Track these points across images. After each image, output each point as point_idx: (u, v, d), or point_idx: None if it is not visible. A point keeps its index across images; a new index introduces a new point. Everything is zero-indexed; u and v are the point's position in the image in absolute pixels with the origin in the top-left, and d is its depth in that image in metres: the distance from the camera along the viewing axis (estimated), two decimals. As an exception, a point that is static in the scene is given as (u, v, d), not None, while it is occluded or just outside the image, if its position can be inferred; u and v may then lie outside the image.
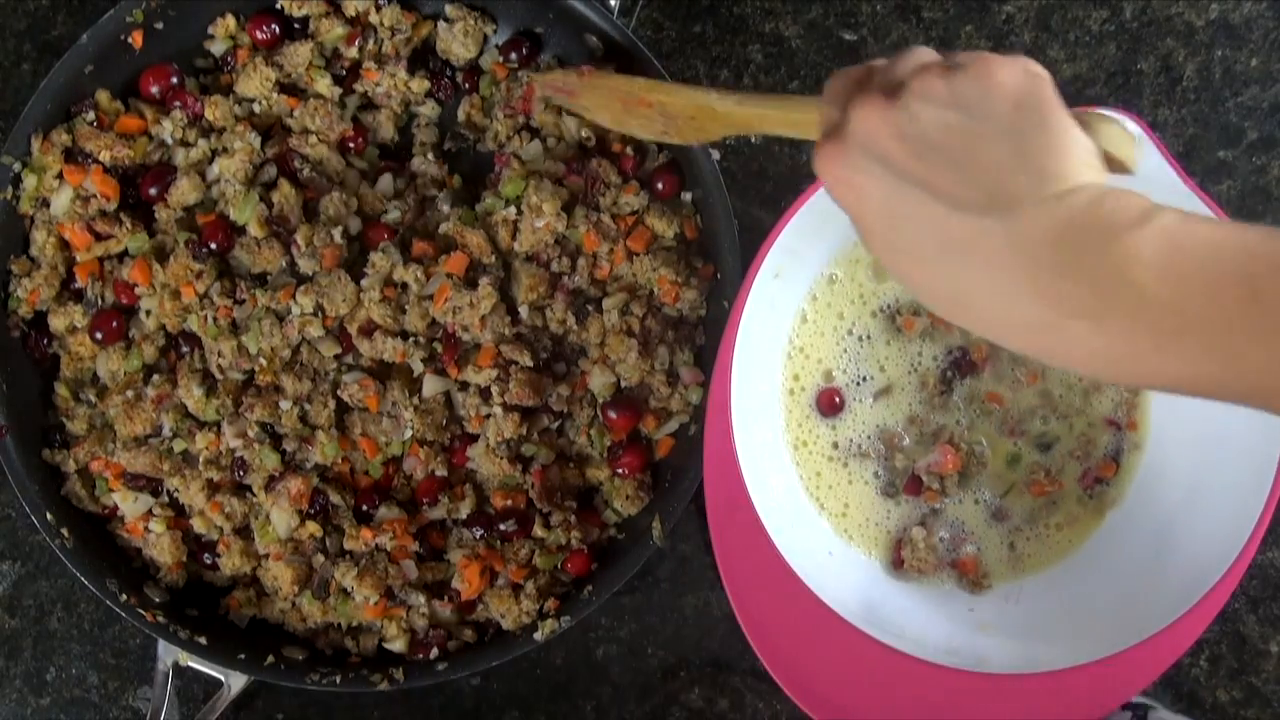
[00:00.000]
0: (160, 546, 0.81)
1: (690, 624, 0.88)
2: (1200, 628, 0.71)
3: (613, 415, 0.82)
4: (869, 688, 0.72)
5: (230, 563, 0.81)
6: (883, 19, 0.90)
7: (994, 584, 0.80)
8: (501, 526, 0.81)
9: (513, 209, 0.80)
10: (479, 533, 0.81)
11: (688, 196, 0.84)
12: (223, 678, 0.82)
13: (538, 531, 0.81)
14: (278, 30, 0.84)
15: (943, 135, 0.51)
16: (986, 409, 0.81)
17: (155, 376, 0.81)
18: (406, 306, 0.80)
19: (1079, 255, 0.48)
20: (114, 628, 0.88)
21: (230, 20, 0.84)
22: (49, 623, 0.88)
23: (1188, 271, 0.46)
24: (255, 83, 0.83)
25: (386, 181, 0.85)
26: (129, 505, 0.81)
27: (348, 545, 0.80)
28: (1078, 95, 0.89)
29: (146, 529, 0.81)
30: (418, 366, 0.81)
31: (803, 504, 0.80)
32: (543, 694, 0.87)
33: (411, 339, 0.80)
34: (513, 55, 0.86)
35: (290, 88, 0.85)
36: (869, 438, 0.81)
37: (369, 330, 0.80)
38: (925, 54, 0.55)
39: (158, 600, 0.81)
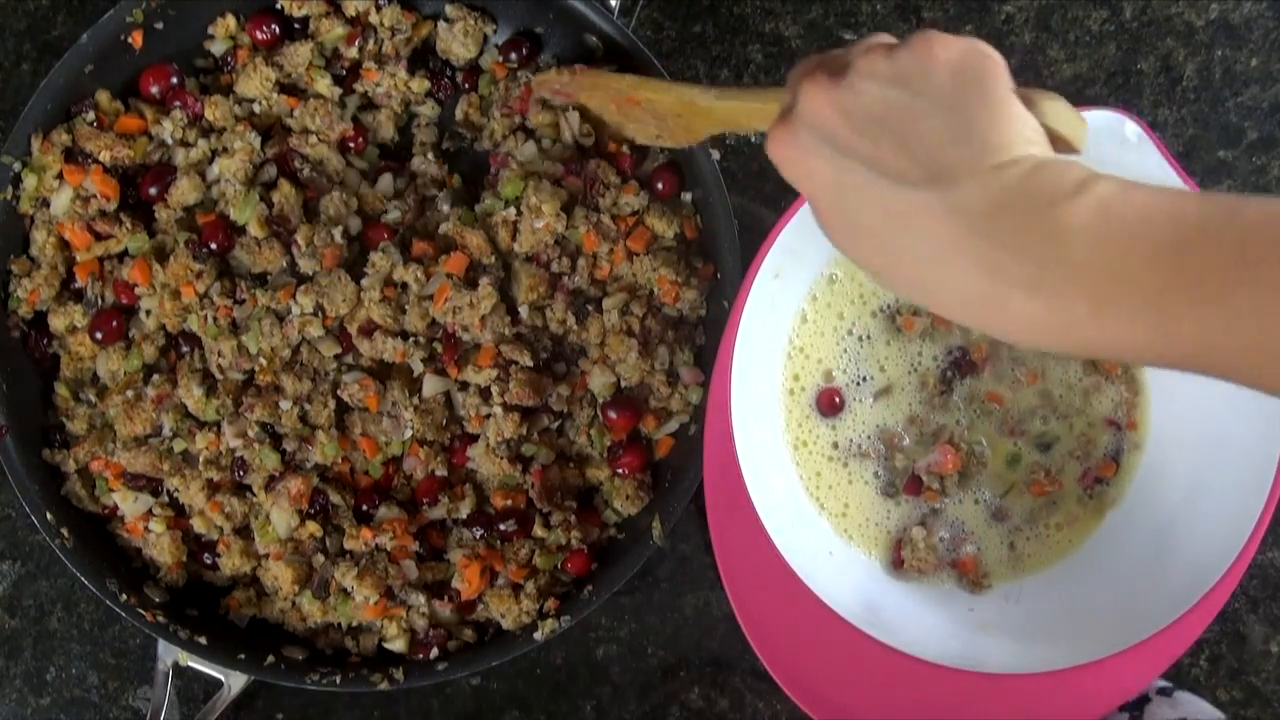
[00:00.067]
0: (160, 546, 0.81)
1: (690, 624, 0.88)
2: (1200, 628, 0.71)
3: (613, 415, 0.82)
4: (869, 688, 0.72)
5: (230, 563, 0.81)
6: (883, 19, 0.90)
7: (994, 584, 0.80)
8: (501, 526, 0.81)
9: (512, 210, 0.80)
10: (479, 533, 0.81)
11: (688, 196, 0.84)
12: (223, 678, 0.82)
13: (538, 531, 0.81)
14: (278, 30, 0.84)
15: (884, 110, 0.52)
16: (986, 409, 0.81)
17: (155, 376, 0.81)
18: (406, 306, 0.80)
19: (1015, 225, 0.48)
20: (114, 628, 0.88)
21: (230, 20, 0.84)
22: (49, 623, 0.88)
23: (1122, 238, 0.46)
24: (255, 83, 0.83)
25: (386, 181, 0.85)
26: (129, 505, 0.81)
27: (348, 545, 0.80)
28: (1078, 95, 0.89)
29: (146, 529, 0.81)
30: (418, 366, 0.81)
31: (803, 504, 0.80)
32: (543, 694, 0.87)
33: (411, 339, 0.80)
34: (512, 55, 0.86)
35: (290, 88, 0.85)
36: (869, 438, 0.81)
37: (369, 330, 0.80)
38: (880, 37, 0.56)
39: (158, 600, 0.81)
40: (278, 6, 0.84)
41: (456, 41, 0.85)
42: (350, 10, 0.84)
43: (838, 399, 0.81)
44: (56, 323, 0.81)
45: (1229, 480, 0.73)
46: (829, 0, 0.90)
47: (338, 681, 0.79)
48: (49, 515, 0.80)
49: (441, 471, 0.82)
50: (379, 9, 0.84)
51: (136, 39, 0.82)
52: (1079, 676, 0.71)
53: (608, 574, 0.81)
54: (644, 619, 0.88)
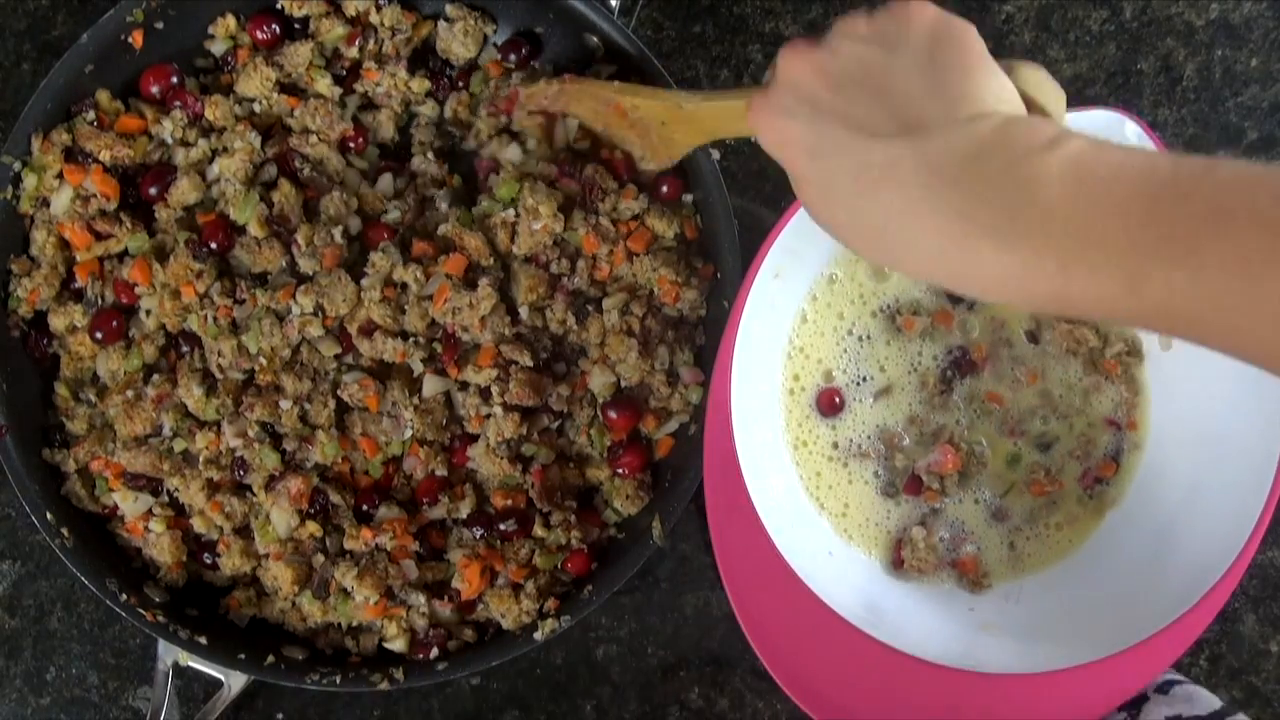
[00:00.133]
0: (160, 546, 0.81)
1: (690, 624, 0.88)
2: (1200, 628, 0.71)
3: (613, 415, 0.82)
4: (869, 688, 0.72)
5: (230, 562, 0.81)
6: (883, 19, 0.90)
7: (994, 584, 0.80)
8: (501, 526, 0.81)
9: (511, 211, 0.80)
10: (479, 532, 0.81)
11: (688, 197, 0.84)
12: (223, 677, 0.82)
13: (538, 531, 0.81)
14: (278, 30, 0.84)
15: (861, 69, 0.54)
16: (986, 409, 0.81)
17: (155, 376, 0.81)
18: (406, 307, 0.80)
19: (987, 174, 0.49)
20: (114, 628, 0.88)
21: (230, 20, 0.84)
22: (49, 623, 0.88)
23: (1093, 193, 0.46)
24: (255, 82, 0.83)
25: (386, 181, 0.85)
26: (129, 505, 0.81)
27: (348, 545, 0.80)
28: (1078, 95, 0.89)
29: (146, 528, 0.81)
30: (418, 366, 0.81)
31: (803, 504, 0.80)
32: (543, 694, 0.87)
33: (411, 339, 0.80)
34: (511, 56, 0.86)
35: (290, 87, 0.85)
36: (869, 438, 0.81)
37: (369, 330, 0.80)
38: (857, 12, 0.57)
39: (158, 600, 0.81)
40: (278, 6, 0.84)
41: (456, 41, 0.85)
42: (350, 10, 0.84)
43: (838, 399, 0.81)
44: (56, 322, 0.81)
45: (1229, 480, 0.73)
46: (829, 0, 0.90)
47: (338, 681, 0.79)
48: (49, 515, 0.80)
49: (441, 471, 0.82)
50: (379, 9, 0.84)
51: (137, 39, 0.82)
52: (1079, 676, 0.71)
53: (608, 574, 0.81)
54: (644, 619, 0.88)
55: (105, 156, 0.81)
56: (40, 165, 0.81)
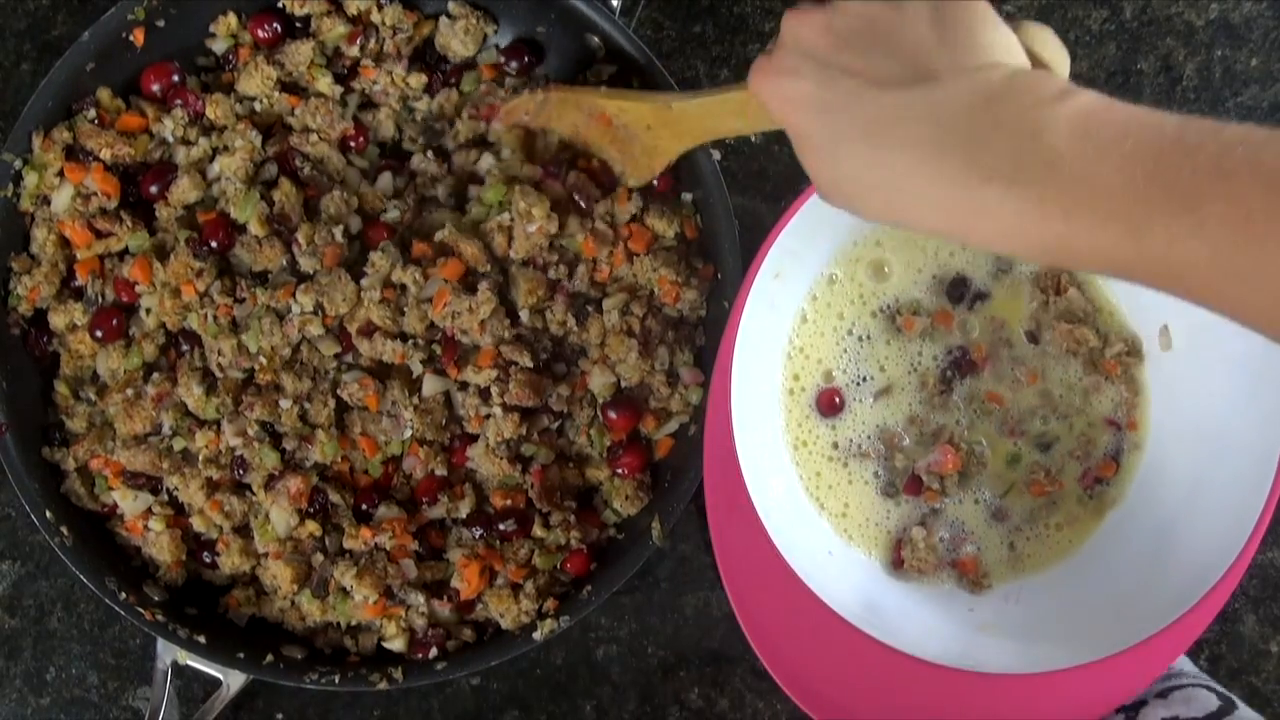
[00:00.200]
0: (159, 545, 0.81)
1: (690, 624, 0.88)
2: (1200, 628, 0.71)
3: (613, 415, 0.82)
4: (869, 688, 0.72)
5: (229, 561, 0.81)
6: (883, 19, 0.90)
7: (994, 584, 0.80)
8: (501, 526, 0.81)
9: (506, 215, 0.80)
10: (478, 532, 0.81)
11: (688, 196, 0.84)
12: (221, 676, 0.82)
13: (537, 531, 0.81)
14: (279, 29, 0.84)
15: (868, 25, 0.54)
16: (986, 409, 0.81)
17: (155, 375, 0.81)
18: (405, 309, 0.80)
19: (997, 120, 0.49)
20: (114, 628, 0.88)
21: (232, 18, 0.84)
22: (49, 623, 0.88)
23: (1101, 143, 0.47)
24: (256, 81, 0.83)
25: (386, 180, 0.84)
26: (128, 503, 0.81)
27: (347, 544, 0.80)
28: (1078, 96, 0.89)
29: (146, 527, 0.81)
30: (417, 368, 0.81)
31: (803, 504, 0.80)
32: (543, 694, 0.87)
33: (411, 341, 0.80)
34: (513, 63, 0.86)
35: (291, 86, 0.85)
36: (869, 438, 0.81)
37: (368, 331, 0.80)
38: None
39: (157, 599, 0.80)
40: (279, 5, 0.84)
41: (456, 39, 0.85)
42: (352, 9, 0.84)
43: (838, 399, 0.81)
44: (57, 320, 0.81)
45: (1229, 479, 0.73)
46: (829, 0, 0.90)
47: (336, 681, 0.79)
48: (48, 513, 0.80)
49: (441, 471, 0.82)
50: (380, 8, 0.84)
51: (138, 37, 0.82)
52: (1079, 676, 0.71)
53: (607, 574, 0.81)
54: (644, 619, 0.88)
55: (106, 155, 0.81)
56: (41, 163, 0.81)
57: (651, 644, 0.88)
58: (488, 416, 0.81)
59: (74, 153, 0.81)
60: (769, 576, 0.72)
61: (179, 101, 0.83)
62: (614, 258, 0.82)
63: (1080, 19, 0.90)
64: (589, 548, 0.82)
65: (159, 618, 0.79)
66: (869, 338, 0.81)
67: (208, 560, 0.82)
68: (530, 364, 0.80)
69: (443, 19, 0.85)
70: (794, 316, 0.81)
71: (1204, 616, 0.70)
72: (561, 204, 0.81)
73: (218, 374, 0.80)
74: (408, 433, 0.81)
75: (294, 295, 0.79)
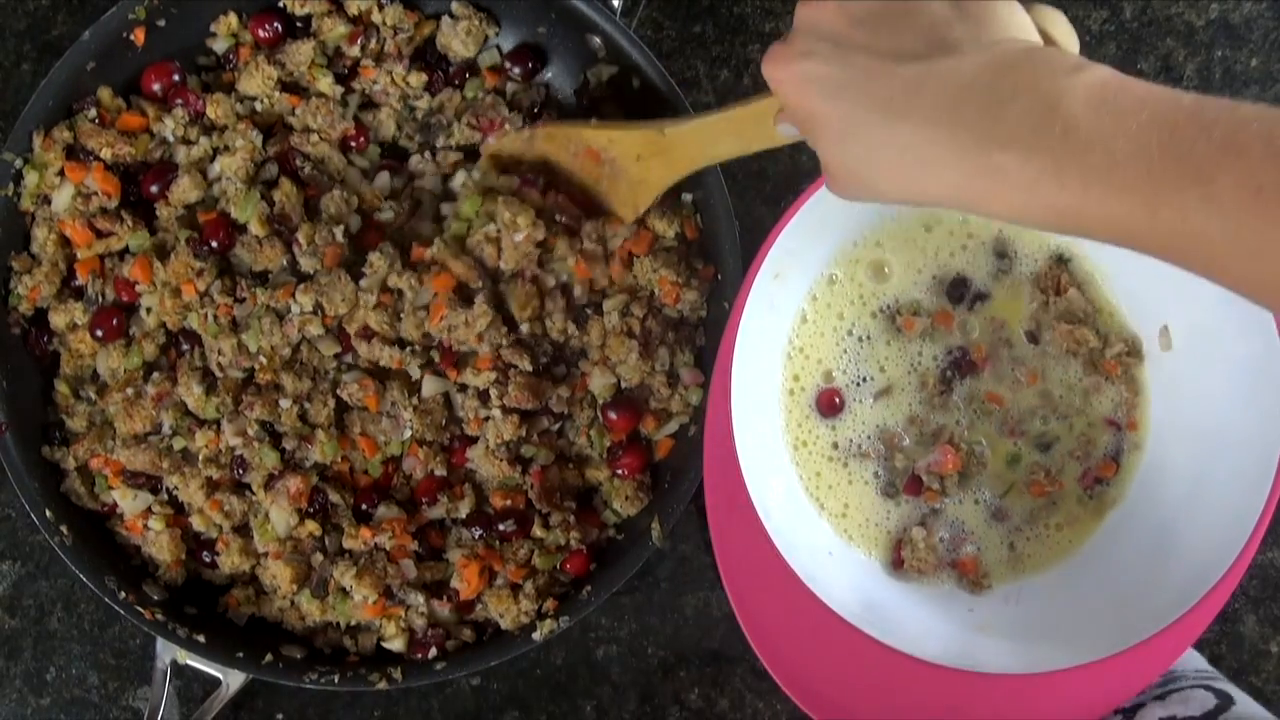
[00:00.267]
0: (159, 544, 0.81)
1: (690, 624, 0.88)
2: (1200, 628, 0.71)
3: (613, 416, 0.82)
4: (869, 688, 0.72)
5: (229, 561, 0.81)
6: (883, 20, 0.90)
7: (994, 584, 0.80)
8: (500, 526, 0.81)
9: (492, 225, 0.80)
10: (478, 532, 0.81)
11: (688, 197, 0.84)
12: (221, 676, 0.82)
13: (537, 532, 0.81)
14: (280, 28, 0.84)
15: (884, 6, 0.55)
16: (986, 409, 0.81)
17: (155, 374, 0.81)
18: (403, 314, 0.80)
19: (1014, 87, 0.50)
20: (114, 628, 0.88)
21: (232, 18, 0.84)
22: (49, 623, 0.88)
23: (1117, 114, 0.47)
24: (257, 81, 0.83)
25: (385, 179, 0.85)
26: (128, 503, 0.81)
27: (347, 544, 0.80)
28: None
29: (146, 526, 0.81)
30: (415, 372, 0.81)
31: (803, 504, 0.80)
32: (543, 694, 0.87)
33: (408, 348, 0.80)
34: (516, 69, 0.86)
35: (292, 86, 0.85)
36: (869, 438, 0.81)
37: (366, 335, 0.80)
38: None
39: (156, 598, 0.80)
40: (280, 5, 0.84)
41: (457, 39, 0.85)
42: (353, 9, 0.84)
43: (838, 399, 0.81)
44: (57, 320, 0.81)
45: (1229, 479, 0.73)
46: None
47: (336, 681, 0.79)
48: (48, 512, 0.80)
49: (441, 471, 0.82)
50: (381, 8, 0.84)
51: (139, 36, 0.82)
52: (1079, 677, 0.71)
53: (606, 575, 0.81)
54: (644, 619, 0.88)
55: (106, 154, 0.81)
56: (42, 163, 0.81)
57: (651, 644, 0.88)
58: (487, 419, 0.81)
59: (74, 152, 0.81)
60: (769, 576, 0.72)
61: (180, 101, 0.83)
62: (609, 272, 0.81)
63: (1080, 19, 0.90)
64: (589, 548, 0.82)
65: (158, 617, 0.79)
66: (869, 338, 0.81)
67: (207, 560, 0.82)
68: (530, 368, 0.80)
69: (444, 19, 0.86)
70: (794, 317, 0.81)
71: (1204, 617, 0.70)
72: (548, 223, 0.80)
73: (218, 374, 0.80)
74: (407, 433, 0.81)
75: (293, 295, 0.79)
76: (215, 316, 0.80)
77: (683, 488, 0.80)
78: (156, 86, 0.83)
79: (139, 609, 0.79)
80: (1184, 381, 0.78)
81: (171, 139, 0.83)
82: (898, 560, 0.80)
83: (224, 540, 0.81)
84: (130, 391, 0.81)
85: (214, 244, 0.80)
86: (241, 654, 0.80)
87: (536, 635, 0.79)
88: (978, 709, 0.72)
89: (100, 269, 0.82)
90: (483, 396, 0.81)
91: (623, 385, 0.82)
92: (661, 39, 0.90)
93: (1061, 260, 0.81)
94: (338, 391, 0.81)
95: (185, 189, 0.81)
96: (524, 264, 0.80)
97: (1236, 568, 0.70)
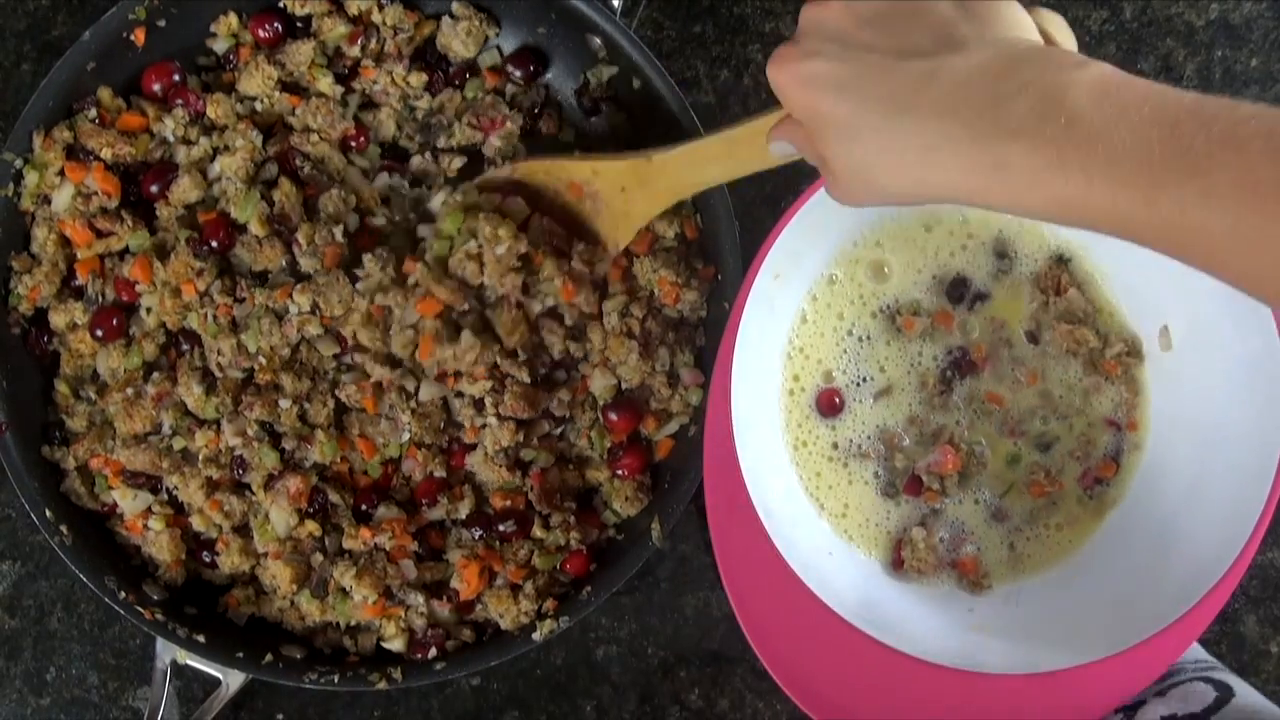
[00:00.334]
0: (159, 544, 0.81)
1: (690, 624, 0.88)
2: (1200, 628, 0.71)
3: (613, 417, 0.82)
4: (869, 688, 0.72)
5: (229, 561, 0.81)
6: (883, 20, 0.90)
7: (994, 584, 0.80)
8: (500, 527, 0.81)
9: (473, 242, 0.78)
10: (478, 533, 0.81)
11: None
12: (220, 676, 0.82)
13: (537, 532, 0.81)
14: (280, 29, 0.84)
15: (889, 7, 0.56)
16: (986, 409, 0.81)
17: (155, 374, 0.81)
18: (392, 331, 0.79)
19: (1021, 81, 0.51)
20: (114, 628, 0.88)
21: (233, 18, 0.84)
22: (49, 623, 0.88)
23: (1119, 106, 0.48)
24: (257, 81, 0.83)
25: (384, 180, 0.85)
26: (128, 503, 0.81)
27: (346, 544, 0.80)
28: (1078, 96, 0.89)
29: (145, 526, 0.81)
30: (411, 382, 0.80)
31: (803, 504, 0.80)
32: (543, 694, 0.87)
33: (400, 369, 0.80)
34: (517, 72, 0.86)
35: (292, 86, 0.85)
36: (869, 438, 0.81)
37: (358, 349, 0.80)
38: None
39: (156, 598, 0.80)
40: (280, 5, 0.84)
41: (458, 40, 0.85)
42: (353, 9, 0.84)
43: (837, 399, 0.81)
44: (57, 320, 0.81)
45: (1229, 480, 0.73)
46: (829, 1, 0.90)
47: (336, 681, 0.79)
48: (48, 512, 0.80)
49: (440, 473, 0.82)
50: (381, 8, 0.84)
51: (139, 36, 0.82)
52: (1079, 677, 0.71)
53: (606, 575, 0.81)
54: (644, 619, 0.88)
55: (107, 154, 0.81)
56: (42, 162, 0.81)
57: (651, 644, 0.88)
58: (483, 426, 0.81)
59: (75, 152, 0.81)
60: (769, 576, 0.72)
61: (180, 101, 0.83)
62: (595, 297, 0.81)
63: (1080, 19, 0.90)
64: (589, 548, 0.82)
65: (158, 617, 0.79)
66: (869, 338, 0.81)
67: (207, 560, 0.82)
68: (527, 379, 0.80)
69: (445, 19, 0.86)
70: (794, 317, 0.81)
71: (1204, 617, 0.70)
72: (534, 241, 0.79)
73: (217, 374, 0.80)
74: (405, 436, 0.81)
75: (291, 295, 0.79)
76: (215, 316, 0.80)
77: (683, 488, 0.80)
78: (156, 86, 0.83)
79: (139, 609, 0.79)
80: (1184, 381, 0.78)
81: (171, 139, 0.82)
82: (898, 560, 0.80)
83: (224, 540, 0.81)
84: (130, 391, 0.81)
85: (214, 244, 0.80)
86: (241, 654, 0.80)
87: (536, 635, 0.79)
88: (978, 709, 0.72)
89: (100, 269, 0.82)
90: (478, 405, 0.81)
91: (623, 386, 0.82)
92: (661, 39, 0.90)
93: (1061, 260, 0.81)
94: (336, 392, 0.81)
95: (185, 189, 0.81)
96: (508, 284, 0.78)
97: (1236, 568, 0.70)
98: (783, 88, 0.59)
